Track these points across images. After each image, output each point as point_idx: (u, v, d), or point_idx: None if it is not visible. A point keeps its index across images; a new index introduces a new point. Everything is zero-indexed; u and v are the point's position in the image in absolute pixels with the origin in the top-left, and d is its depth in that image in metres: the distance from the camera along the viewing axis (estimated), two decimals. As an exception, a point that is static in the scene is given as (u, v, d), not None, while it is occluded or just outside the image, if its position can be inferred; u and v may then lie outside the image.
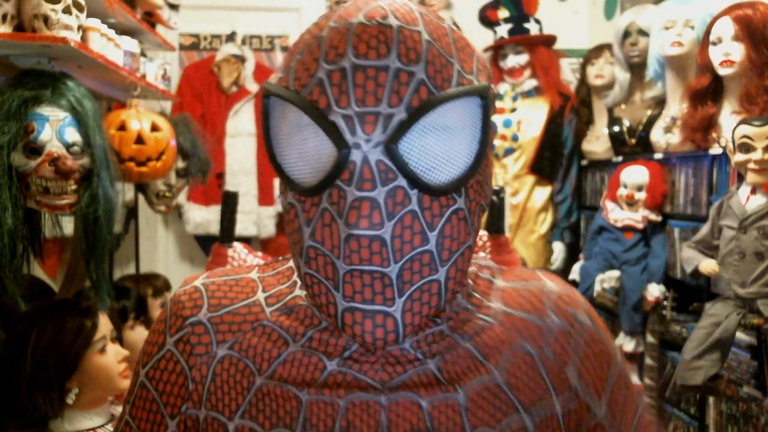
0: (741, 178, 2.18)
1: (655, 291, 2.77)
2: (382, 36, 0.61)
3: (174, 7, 2.76)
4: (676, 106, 2.79)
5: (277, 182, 3.84)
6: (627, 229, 2.91)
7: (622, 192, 2.90)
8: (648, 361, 2.80)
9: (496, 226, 2.22)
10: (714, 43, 2.36)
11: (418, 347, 0.67)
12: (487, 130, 0.64)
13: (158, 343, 0.73)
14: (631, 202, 2.87)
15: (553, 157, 3.55)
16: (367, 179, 0.60)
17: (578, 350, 0.71)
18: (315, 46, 0.64)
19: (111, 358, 1.54)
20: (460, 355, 0.68)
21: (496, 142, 3.49)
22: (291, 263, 0.76)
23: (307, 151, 0.63)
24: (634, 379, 2.87)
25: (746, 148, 2.05)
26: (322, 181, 0.62)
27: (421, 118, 0.61)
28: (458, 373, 0.67)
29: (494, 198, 2.22)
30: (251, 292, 0.73)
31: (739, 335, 2.17)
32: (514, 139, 3.53)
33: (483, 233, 2.22)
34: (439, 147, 0.62)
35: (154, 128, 2.28)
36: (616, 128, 3.16)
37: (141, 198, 2.73)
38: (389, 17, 0.62)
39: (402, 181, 0.61)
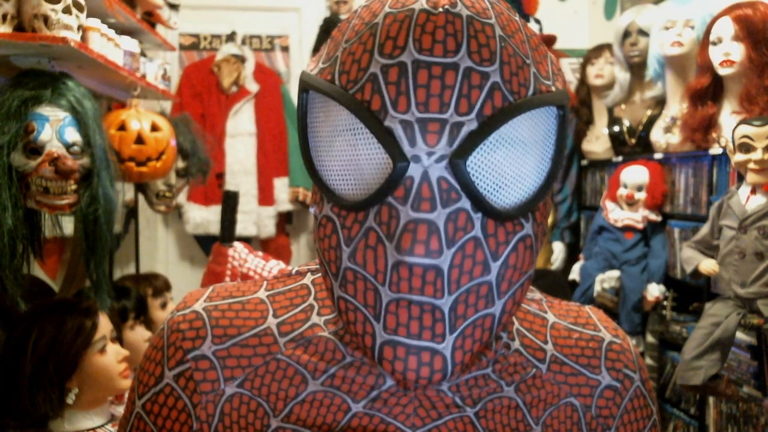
0: (741, 178, 2.18)
1: (655, 291, 2.77)
2: (451, 27, 0.51)
3: (174, 7, 2.76)
4: (676, 106, 2.79)
5: (277, 182, 3.84)
6: (627, 229, 2.91)
7: (622, 192, 2.90)
8: (648, 361, 2.80)
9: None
10: (714, 43, 2.36)
11: (457, 391, 0.60)
12: (562, 146, 0.55)
13: (155, 375, 0.64)
14: (631, 202, 2.88)
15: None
16: (425, 199, 0.51)
17: (622, 409, 0.66)
18: (367, 34, 0.54)
19: (111, 358, 1.54)
20: (503, 404, 0.61)
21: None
22: (305, 279, 0.67)
23: (353, 159, 0.54)
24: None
25: (746, 148, 2.05)
26: (371, 196, 0.53)
27: (495, 130, 0.51)
28: (497, 423, 0.61)
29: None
30: (260, 317, 0.64)
31: (739, 335, 2.17)
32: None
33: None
34: (509, 164, 0.53)
35: (154, 128, 2.28)
36: (616, 128, 3.16)
37: (141, 198, 2.73)
38: (458, 4, 0.53)
39: (466, 203, 0.52)
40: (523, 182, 0.54)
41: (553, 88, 0.56)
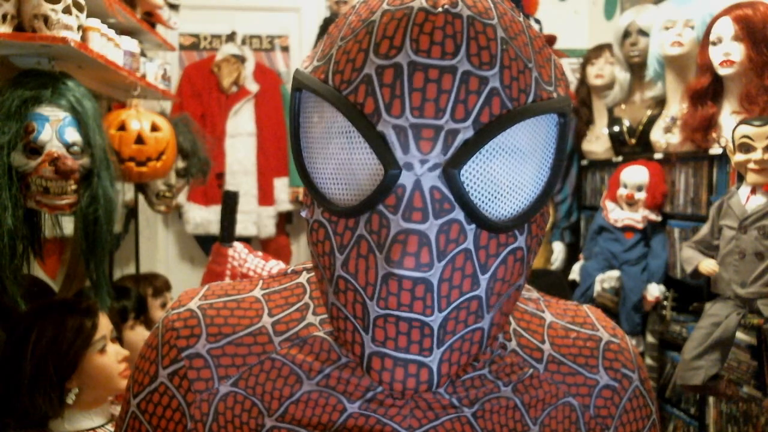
0: (741, 178, 2.18)
1: (655, 291, 2.77)
2: (450, 28, 0.49)
3: (174, 7, 2.76)
4: (676, 106, 2.79)
5: (277, 182, 3.84)
6: (627, 229, 2.91)
7: (622, 192, 2.90)
8: (648, 361, 2.80)
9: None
10: (714, 43, 2.36)
11: (454, 392, 0.59)
12: (562, 155, 0.53)
13: (150, 374, 0.63)
14: (631, 202, 2.88)
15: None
16: (417, 209, 0.49)
17: (620, 409, 0.65)
18: (363, 32, 0.52)
19: (111, 358, 1.54)
20: (501, 405, 0.60)
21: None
22: (301, 278, 0.66)
23: (345, 164, 0.52)
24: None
25: (746, 148, 2.05)
26: (362, 203, 0.51)
27: (491, 139, 0.49)
28: (494, 423, 0.60)
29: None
30: (256, 316, 0.63)
31: (739, 335, 2.17)
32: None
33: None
34: (505, 173, 0.51)
35: (154, 128, 2.28)
36: (616, 128, 3.17)
37: (141, 198, 2.73)
38: (459, 4, 0.50)
39: (459, 214, 0.50)
40: (519, 192, 0.52)
41: (555, 95, 0.53)
